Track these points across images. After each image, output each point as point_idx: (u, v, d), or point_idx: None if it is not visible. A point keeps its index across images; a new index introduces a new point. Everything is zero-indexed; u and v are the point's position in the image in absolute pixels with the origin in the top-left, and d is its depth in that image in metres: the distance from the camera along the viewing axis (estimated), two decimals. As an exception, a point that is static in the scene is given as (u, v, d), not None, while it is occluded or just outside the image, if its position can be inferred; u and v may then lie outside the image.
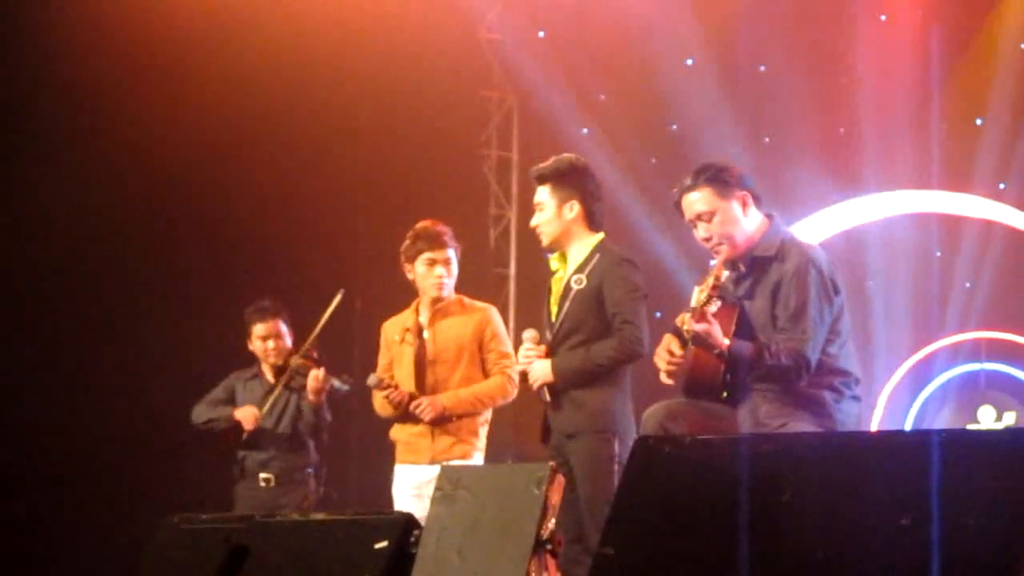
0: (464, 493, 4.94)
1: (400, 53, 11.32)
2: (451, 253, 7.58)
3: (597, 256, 6.75)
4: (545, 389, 6.71)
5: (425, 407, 7.43)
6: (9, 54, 9.97)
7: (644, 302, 6.73)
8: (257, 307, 8.84)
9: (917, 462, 3.83)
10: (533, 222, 6.93)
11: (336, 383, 8.43)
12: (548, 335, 6.82)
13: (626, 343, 6.59)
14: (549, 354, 6.75)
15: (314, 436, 8.76)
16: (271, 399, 8.70)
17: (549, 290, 6.94)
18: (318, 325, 8.53)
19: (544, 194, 6.86)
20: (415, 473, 7.48)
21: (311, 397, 8.50)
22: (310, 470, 8.81)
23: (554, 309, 6.84)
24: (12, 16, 9.97)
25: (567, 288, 6.76)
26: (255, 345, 8.84)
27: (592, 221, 6.84)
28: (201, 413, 8.84)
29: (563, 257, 6.88)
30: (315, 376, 8.40)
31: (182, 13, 10.50)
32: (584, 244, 6.82)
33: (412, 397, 7.47)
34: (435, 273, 7.54)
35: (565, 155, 6.99)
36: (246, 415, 8.68)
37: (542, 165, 6.94)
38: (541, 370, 6.71)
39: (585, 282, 6.70)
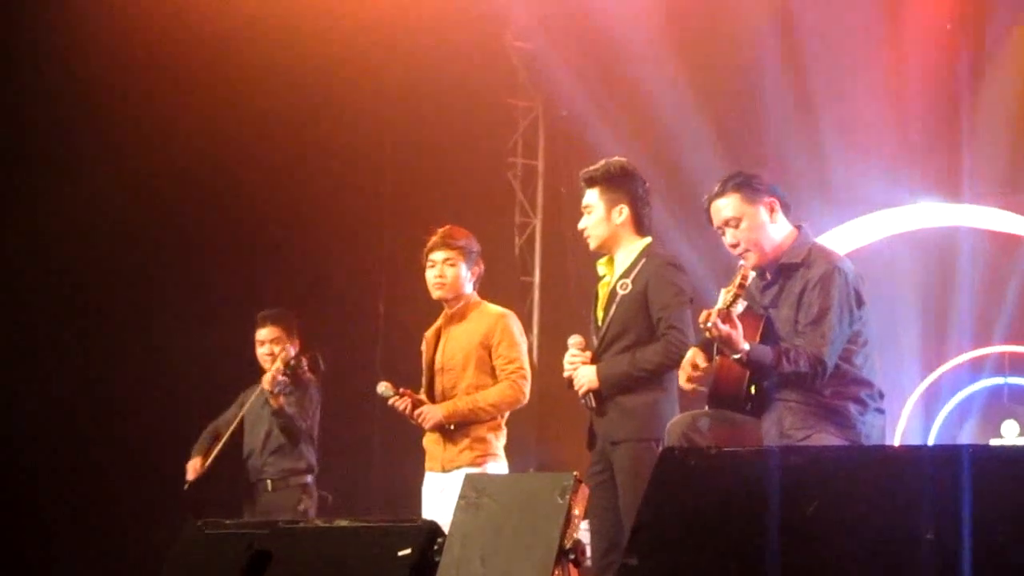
0: (488, 501, 4.95)
1: (427, 60, 11.32)
2: (453, 255, 7.52)
3: (643, 261, 6.73)
4: (590, 395, 6.68)
5: (424, 416, 7.45)
6: (29, 58, 9.98)
7: (690, 306, 6.68)
8: (260, 314, 9.05)
9: (944, 476, 3.82)
10: (581, 225, 6.90)
11: (279, 381, 8.64)
12: (595, 340, 6.81)
13: (671, 348, 6.54)
14: (595, 360, 6.73)
15: (291, 441, 8.81)
16: (265, 408, 8.81)
17: (596, 295, 6.92)
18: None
19: (593, 197, 6.84)
20: (433, 480, 7.50)
21: (270, 400, 8.70)
22: (308, 476, 8.87)
23: (600, 314, 6.82)
24: (29, 19, 10.00)
25: (613, 293, 6.74)
26: (257, 351, 8.95)
27: (640, 225, 6.83)
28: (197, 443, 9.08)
29: (610, 262, 6.87)
30: (264, 379, 8.66)
31: (208, 15, 10.51)
32: (631, 249, 6.80)
33: (417, 405, 7.48)
34: (433, 274, 7.55)
35: (616, 158, 6.95)
36: (189, 466, 8.90)
37: (592, 168, 6.90)
38: (586, 376, 6.68)
39: (631, 287, 6.68)
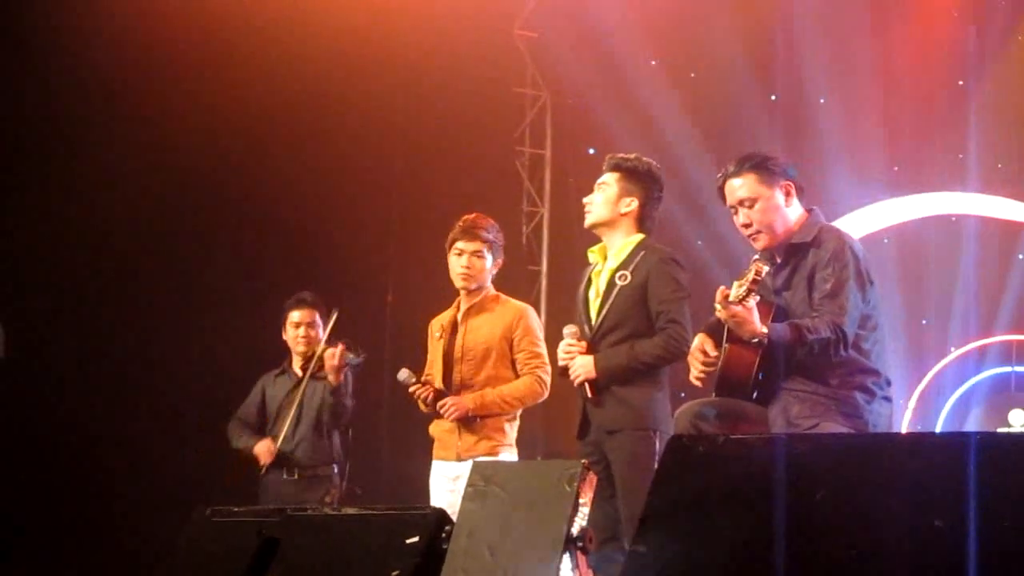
0: (496, 489, 4.94)
1: (435, 50, 11.32)
2: (482, 247, 7.52)
3: (642, 253, 6.76)
4: (587, 385, 6.70)
5: (449, 407, 7.42)
6: (45, 50, 10.00)
7: (688, 301, 6.74)
8: (297, 297, 9.02)
9: (952, 464, 3.82)
10: (587, 198, 6.94)
11: (350, 357, 8.52)
12: (586, 329, 6.82)
13: (671, 343, 6.59)
14: (590, 350, 6.75)
15: (336, 422, 8.79)
16: (299, 393, 8.78)
17: (589, 282, 6.93)
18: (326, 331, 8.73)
19: (611, 178, 6.88)
20: (446, 468, 7.49)
21: (330, 377, 8.59)
22: (335, 466, 8.85)
23: (594, 303, 6.84)
24: (41, 11, 10.01)
25: (611, 284, 6.76)
26: (288, 333, 8.97)
27: (641, 224, 6.86)
28: (233, 436, 8.98)
29: (602, 251, 6.89)
30: (331, 353, 8.54)
31: (220, 5, 10.52)
32: (627, 241, 6.82)
33: (440, 394, 7.47)
34: (460, 264, 7.53)
35: (648, 159, 6.98)
36: (261, 450, 8.80)
37: (623, 155, 6.95)
38: (583, 366, 6.70)
39: (630, 279, 6.70)
